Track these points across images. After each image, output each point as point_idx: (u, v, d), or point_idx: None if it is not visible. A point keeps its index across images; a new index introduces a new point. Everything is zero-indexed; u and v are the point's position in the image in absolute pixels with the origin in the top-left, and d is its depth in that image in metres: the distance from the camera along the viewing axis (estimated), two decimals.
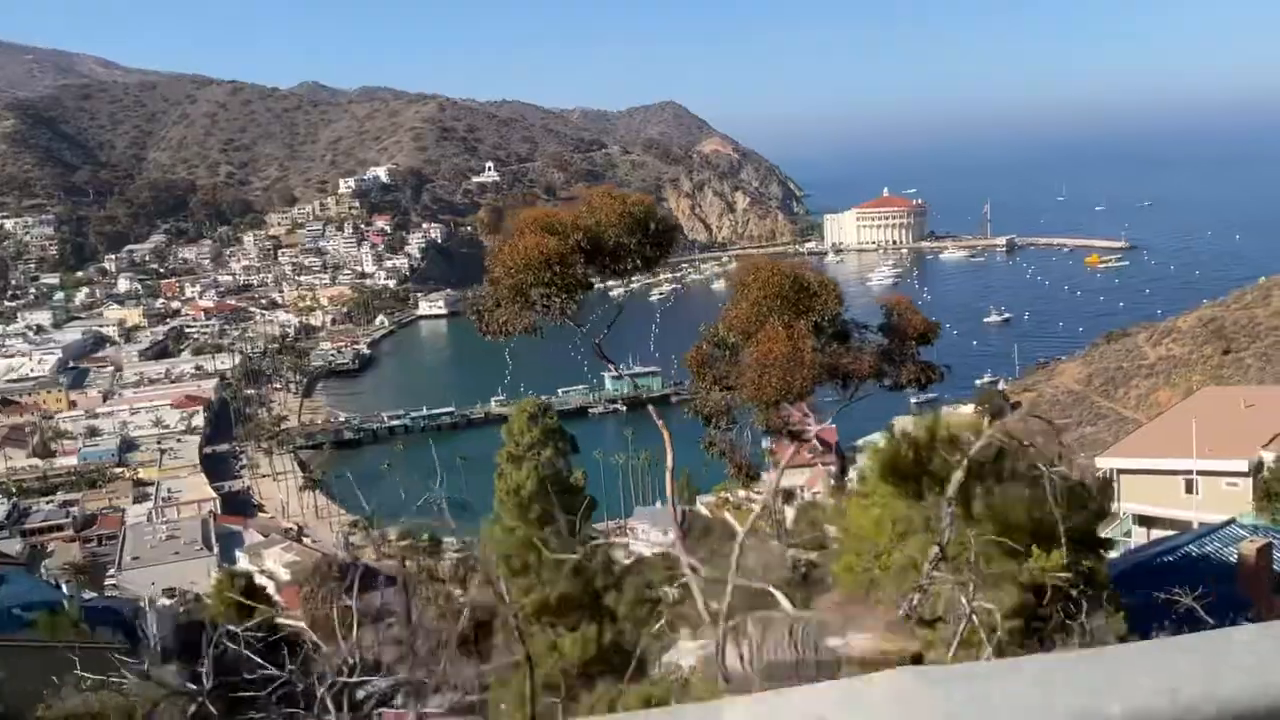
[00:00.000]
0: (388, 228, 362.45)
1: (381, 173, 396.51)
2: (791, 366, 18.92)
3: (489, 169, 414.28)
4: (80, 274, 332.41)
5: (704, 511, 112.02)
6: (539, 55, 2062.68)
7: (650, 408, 26.32)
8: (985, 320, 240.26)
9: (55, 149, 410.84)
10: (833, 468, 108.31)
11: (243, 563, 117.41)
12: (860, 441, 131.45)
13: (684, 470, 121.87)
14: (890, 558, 16.83)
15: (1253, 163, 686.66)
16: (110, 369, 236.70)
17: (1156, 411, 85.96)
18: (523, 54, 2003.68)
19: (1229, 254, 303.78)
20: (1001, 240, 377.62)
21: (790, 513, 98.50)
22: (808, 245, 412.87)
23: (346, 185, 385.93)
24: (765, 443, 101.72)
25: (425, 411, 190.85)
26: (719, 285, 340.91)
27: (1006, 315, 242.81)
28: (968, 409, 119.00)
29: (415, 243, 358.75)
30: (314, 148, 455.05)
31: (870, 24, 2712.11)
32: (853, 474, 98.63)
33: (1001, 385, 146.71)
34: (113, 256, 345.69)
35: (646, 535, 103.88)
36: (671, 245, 23.61)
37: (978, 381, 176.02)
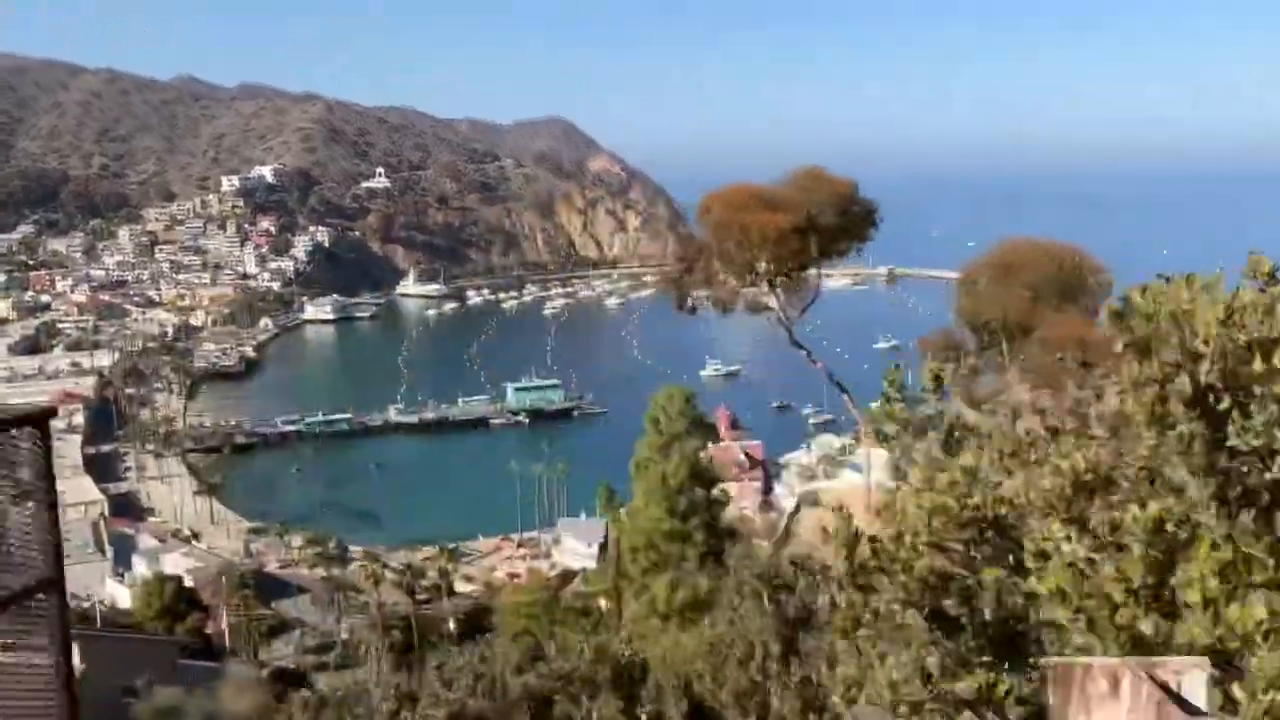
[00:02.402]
0: (273, 229, 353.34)
1: (267, 172, 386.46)
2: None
3: (380, 175, 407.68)
4: None
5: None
6: (426, 63, 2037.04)
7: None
8: (875, 346, 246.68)
9: None
10: (758, 483, 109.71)
11: (140, 568, 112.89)
12: (784, 458, 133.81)
13: (604, 482, 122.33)
14: None
15: (1128, 205, 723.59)
16: None
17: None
18: (409, 61, 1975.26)
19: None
20: (883, 270, 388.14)
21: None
22: None
23: (230, 183, 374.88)
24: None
25: (321, 417, 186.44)
26: (612, 301, 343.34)
27: (894, 342, 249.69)
28: (889, 428, 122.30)
29: (301, 245, 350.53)
30: (195, 143, 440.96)
31: (748, 51, 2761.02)
32: (778, 489, 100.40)
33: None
34: None
35: (574, 547, 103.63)
36: (872, 228, 24.02)
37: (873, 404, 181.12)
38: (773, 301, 24.38)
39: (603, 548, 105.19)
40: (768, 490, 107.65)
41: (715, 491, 23.07)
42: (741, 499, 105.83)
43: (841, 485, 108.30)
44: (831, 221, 23.26)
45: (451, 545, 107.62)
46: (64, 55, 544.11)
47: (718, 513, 23.13)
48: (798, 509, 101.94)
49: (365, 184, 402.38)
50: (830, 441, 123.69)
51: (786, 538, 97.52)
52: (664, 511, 22.00)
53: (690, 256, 25.36)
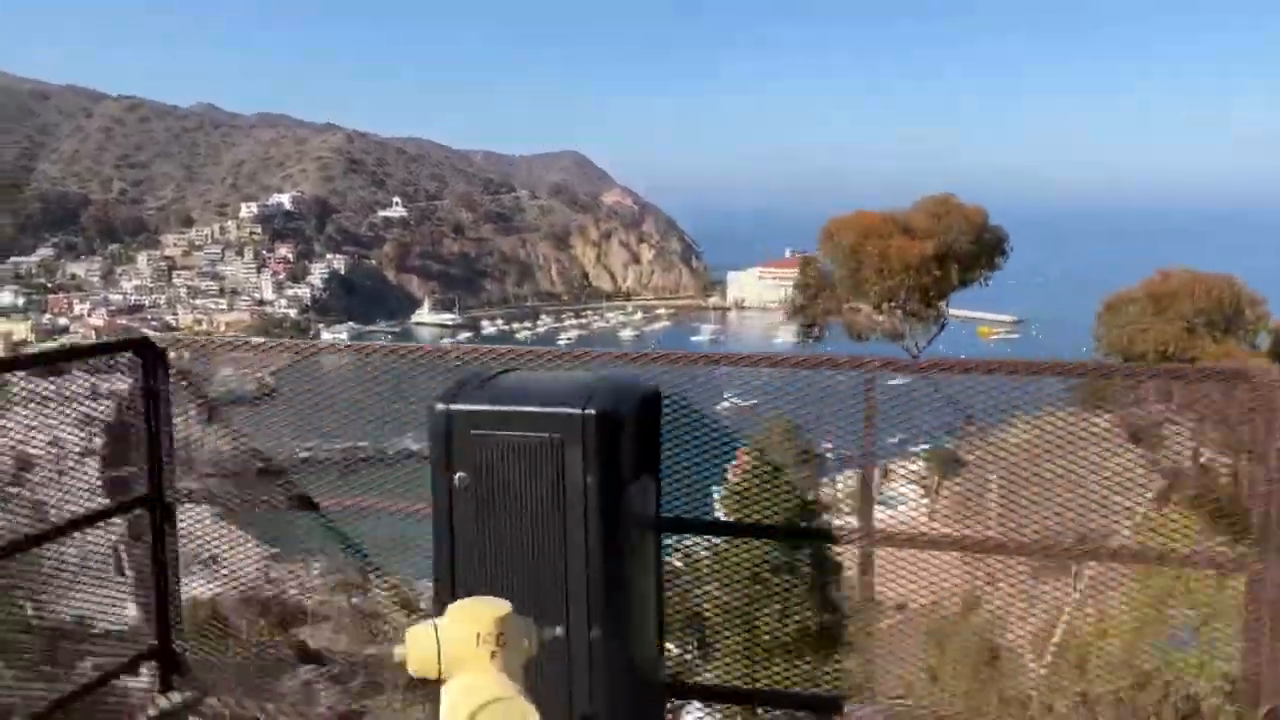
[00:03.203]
0: (290, 256, 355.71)
1: (285, 200, 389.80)
2: None
3: (397, 204, 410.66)
4: None
5: None
6: (442, 96, 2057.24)
7: None
8: (890, 383, 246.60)
9: None
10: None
11: None
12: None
13: None
14: None
15: (1130, 238, 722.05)
16: None
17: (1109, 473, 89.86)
18: (425, 94, 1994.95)
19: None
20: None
21: None
22: (711, 300, 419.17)
23: (248, 210, 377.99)
24: (715, 490, 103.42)
25: (339, 445, 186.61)
26: (627, 333, 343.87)
27: (909, 379, 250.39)
28: (916, 464, 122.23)
29: (318, 273, 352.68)
30: (214, 170, 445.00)
31: (760, 89, 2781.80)
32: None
33: (948, 444, 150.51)
34: None
35: None
36: (1001, 256, 24.32)
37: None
38: (907, 330, 24.71)
39: None
40: None
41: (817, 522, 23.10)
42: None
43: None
44: (966, 249, 23.53)
45: None
46: (87, 81, 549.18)
47: (824, 543, 23.14)
48: None
49: (382, 213, 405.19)
50: (854, 477, 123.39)
51: None
52: (771, 543, 22.07)
53: (814, 284, 25.66)
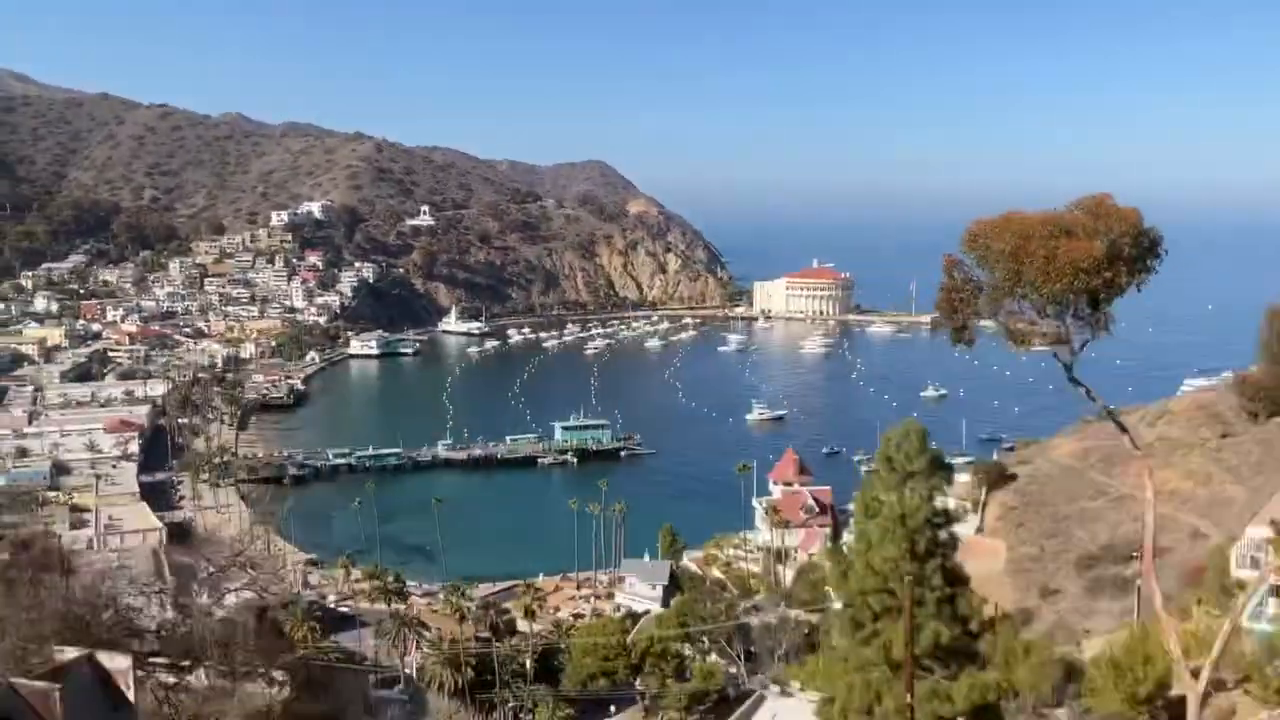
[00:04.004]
0: (320, 264, 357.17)
1: (315, 208, 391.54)
2: None
3: (424, 212, 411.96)
4: None
5: (692, 567, 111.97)
6: (468, 106, 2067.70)
7: None
8: (922, 394, 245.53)
9: None
10: (827, 529, 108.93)
11: (202, 598, 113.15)
12: (853, 504, 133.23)
13: (667, 524, 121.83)
14: None
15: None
16: (30, 389, 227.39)
17: (1154, 490, 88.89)
18: (452, 103, 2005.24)
19: (1145, 344, 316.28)
20: (926, 318, 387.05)
21: (786, 572, 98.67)
22: (738, 310, 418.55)
23: (279, 218, 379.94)
24: (755, 501, 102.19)
25: (371, 451, 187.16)
26: (654, 343, 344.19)
27: (942, 391, 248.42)
28: (961, 478, 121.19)
29: (347, 281, 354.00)
30: (244, 178, 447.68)
31: (787, 104, 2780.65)
32: (846, 536, 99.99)
33: (995, 456, 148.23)
34: (29, 273, 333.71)
35: (637, 588, 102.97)
36: (1155, 259, 23.89)
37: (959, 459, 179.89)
38: (1073, 335, 24.35)
39: (667, 589, 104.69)
40: (836, 536, 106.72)
41: (945, 534, 22.73)
42: (810, 544, 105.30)
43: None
44: (1129, 251, 23.10)
45: (532, 582, 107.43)
46: (119, 90, 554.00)
47: (952, 555, 22.78)
48: None
49: (410, 221, 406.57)
50: None
51: None
52: (902, 552, 21.68)
53: (959, 287, 25.29)
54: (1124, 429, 30.61)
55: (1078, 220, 22.68)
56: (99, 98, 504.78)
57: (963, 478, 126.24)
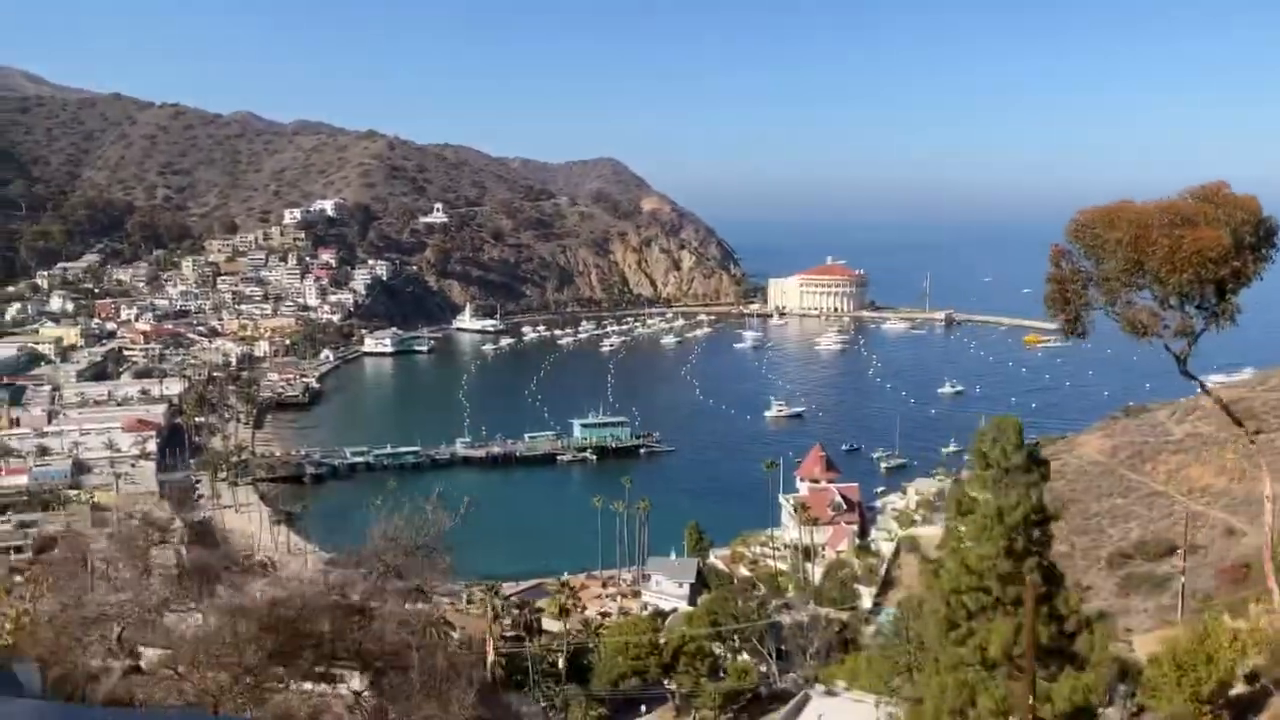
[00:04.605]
0: (333, 262, 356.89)
1: (328, 206, 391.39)
2: None
3: (438, 210, 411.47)
4: (11, 289, 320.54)
5: (719, 565, 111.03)
6: (476, 104, 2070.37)
7: None
8: (939, 391, 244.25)
9: None
10: (854, 526, 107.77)
11: (225, 596, 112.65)
12: (879, 502, 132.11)
13: (692, 522, 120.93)
14: None
15: None
16: (48, 388, 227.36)
17: (1188, 487, 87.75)
18: (460, 102, 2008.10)
19: (1160, 341, 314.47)
20: (940, 314, 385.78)
21: (814, 570, 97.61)
22: (752, 306, 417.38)
23: (291, 216, 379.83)
24: (783, 498, 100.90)
25: (389, 450, 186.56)
26: (669, 340, 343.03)
27: (959, 387, 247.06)
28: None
29: (360, 278, 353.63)
30: (256, 177, 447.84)
31: (789, 104, 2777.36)
32: (873, 532, 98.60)
33: None
34: (44, 273, 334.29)
35: (664, 586, 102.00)
36: (1273, 249, 22.90)
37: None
38: (1199, 326, 23.40)
39: (694, 587, 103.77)
40: (863, 533, 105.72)
41: (1040, 532, 21.74)
42: (838, 542, 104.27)
43: (940, 530, 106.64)
44: (1250, 239, 22.11)
45: (566, 579, 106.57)
46: (131, 90, 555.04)
47: (1048, 553, 21.81)
48: (897, 553, 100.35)
49: (423, 219, 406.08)
50: (927, 486, 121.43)
51: (888, 583, 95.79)
52: (1000, 550, 20.73)
53: (1069, 278, 24.33)
54: (1239, 421, 29.69)
55: (1197, 209, 21.67)
56: (111, 98, 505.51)
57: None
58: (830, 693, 51.09)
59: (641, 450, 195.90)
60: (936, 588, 21.88)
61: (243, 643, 18.49)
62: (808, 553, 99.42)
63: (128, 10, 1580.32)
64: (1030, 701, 18.26)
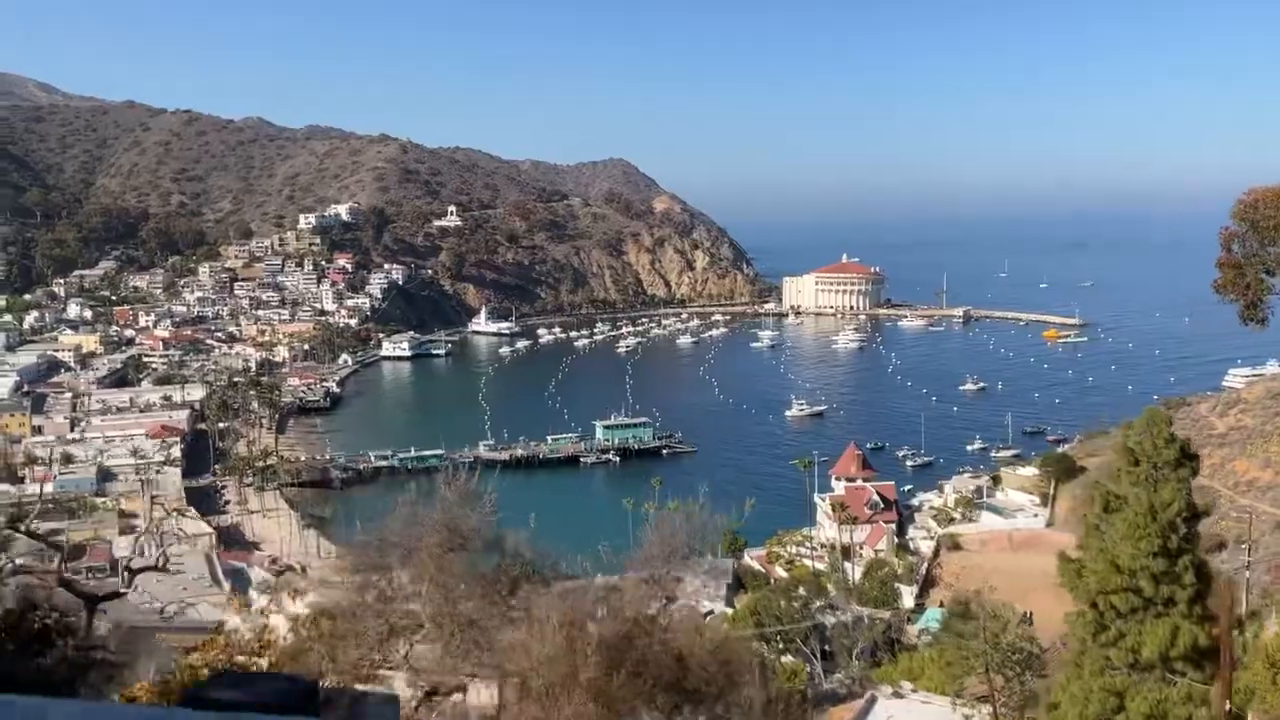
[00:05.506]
0: (349, 266, 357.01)
1: (343, 210, 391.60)
2: None
3: (451, 213, 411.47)
4: (28, 297, 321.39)
5: (755, 565, 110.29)
6: (489, 106, 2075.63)
7: None
8: (961, 388, 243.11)
9: (2, 170, 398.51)
10: (892, 525, 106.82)
11: (260, 601, 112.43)
12: (916, 500, 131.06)
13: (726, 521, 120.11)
14: None
15: (1183, 248, 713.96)
16: (68, 395, 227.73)
17: (1233, 481, 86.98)
18: (473, 104, 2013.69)
19: (1182, 334, 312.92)
20: (958, 311, 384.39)
21: (854, 569, 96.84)
22: (767, 306, 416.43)
23: (307, 221, 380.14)
24: (819, 498, 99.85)
25: (413, 453, 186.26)
26: (685, 340, 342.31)
27: (981, 384, 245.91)
28: (1027, 471, 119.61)
29: (376, 283, 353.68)
30: (270, 182, 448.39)
31: (805, 98, 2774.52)
32: (911, 531, 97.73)
33: (1063, 448, 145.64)
34: (61, 281, 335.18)
35: (699, 587, 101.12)
36: None
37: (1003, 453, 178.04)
38: None
39: (730, 587, 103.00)
40: (901, 531, 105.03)
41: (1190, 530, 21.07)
42: (876, 541, 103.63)
43: (981, 528, 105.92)
44: None
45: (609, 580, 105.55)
46: (143, 97, 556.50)
47: (1200, 550, 21.15)
48: (938, 552, 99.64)
49: (437, 222, 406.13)
50: (965, 484, 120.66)
51: (929, 582, 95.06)
52: (1155, 548, 20.07)
53: (1242, 262, 23.66)
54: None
55: None
56: (124, 105, 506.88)
57: (1028, 470, 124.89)
58: (897, 694, 50.42)
59: (664, 451, 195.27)
60: (1080, 589, 21.24)
61: (594, 666, 15.46)
62: (846, 552, 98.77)
63: (135, 17, 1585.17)
64: (1226, 708, 17.68)
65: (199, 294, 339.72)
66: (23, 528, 16.40)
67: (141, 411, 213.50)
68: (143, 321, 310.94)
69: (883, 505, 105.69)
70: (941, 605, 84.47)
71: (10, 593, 14.22)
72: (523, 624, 16.78)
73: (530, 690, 15.29)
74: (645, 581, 19.04)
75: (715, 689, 17.46)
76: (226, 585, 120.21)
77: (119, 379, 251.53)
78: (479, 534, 18.24)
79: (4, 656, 12.82)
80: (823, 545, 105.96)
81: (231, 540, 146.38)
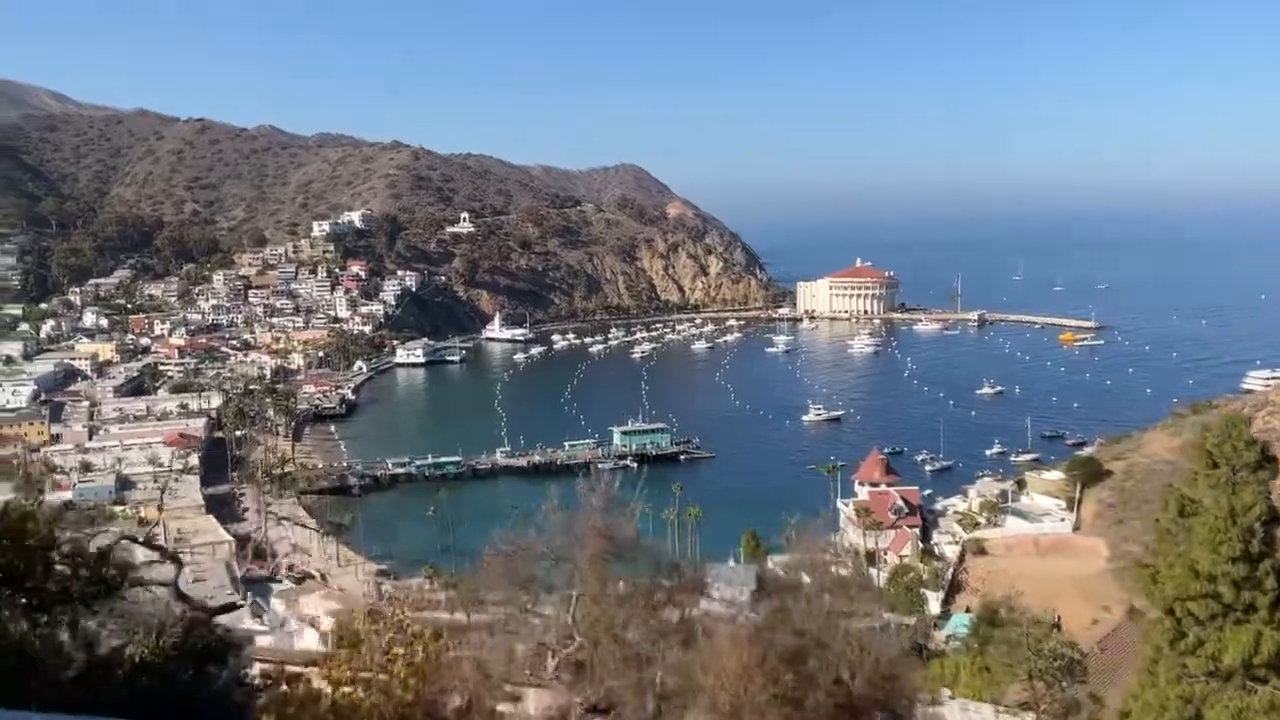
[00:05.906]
0: (362, 273, 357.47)
1: (356, 217, 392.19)
2: None
3: (464, 219, 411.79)
4: (44, 306, 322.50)
5: (778, 571, 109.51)
6: (499, 113, 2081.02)
7: None
8: (978, 392, 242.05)
9: (17, 179, 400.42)
10: (916, 530, 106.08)
11: (280, 610, 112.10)
12: (939, 504, 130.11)
13: (750, 528, 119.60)
14: None
15: (1190, 248, 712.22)
16: (85, 403, 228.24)
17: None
18: (483, 111, 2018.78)
19: (1199, 337, 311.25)
20: (973, 315, 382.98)
21: (879, 575, 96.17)
22: (781, 310, 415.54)
23: (320, 228, 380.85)
24: (841, 503, 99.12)
25: (431, 460, 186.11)
26: (700, 345, 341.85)
27: (999, 388, 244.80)
28: (1052, 475, 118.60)
29: (390, 289, 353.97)
30: (283, 190, 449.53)
31: (813, 103, 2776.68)
32: (935, 535, 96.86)
33: (1083, 452, 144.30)
34: (77, 289, 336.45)
35: (724, 595, 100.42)
36: None
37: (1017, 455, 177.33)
38: None
39: (754, 594, 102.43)
40: (925, 537, 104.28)
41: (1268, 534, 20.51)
42: (901, 546, 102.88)
43: (1006, 533, 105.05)
44: None
45: None
46: (156, 106, 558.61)
47: (1279, 556, 20.57)
48: (963, 557, 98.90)
49: (450, 229, 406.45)
50: (989, 488, 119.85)
51: (955, 587, 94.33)
52: (1236, 553, 19.55)
53: None
54: None
55: None
56: (137, 114, 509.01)
57: (1053, 474, 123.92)
58: (935, 701, 49.77)
59: (682, 457, 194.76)
60: (1155, 596, 20.71)
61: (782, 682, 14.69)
62: (871, 557, 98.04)
63: (147, 26, 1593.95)
64: None
65: (214, 302, 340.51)
66: (140, 538, 15.66)
67: (159, 419, 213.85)
68: (158, 329, 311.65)
69: (907, 510, 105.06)
70: (969, 611, 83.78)
71: (162, 608, 13.55)
72: (683, 637, 16.16)
73: (716, 707, 14.55)
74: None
75: (882, 704, 16.99)
76: (248, 593, 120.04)
77: (135, 387, 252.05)
78: (635, 543, 17.55)
79: (179, 678, 12.29)
80: (846, 551, 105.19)
81: (253, 548, 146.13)
